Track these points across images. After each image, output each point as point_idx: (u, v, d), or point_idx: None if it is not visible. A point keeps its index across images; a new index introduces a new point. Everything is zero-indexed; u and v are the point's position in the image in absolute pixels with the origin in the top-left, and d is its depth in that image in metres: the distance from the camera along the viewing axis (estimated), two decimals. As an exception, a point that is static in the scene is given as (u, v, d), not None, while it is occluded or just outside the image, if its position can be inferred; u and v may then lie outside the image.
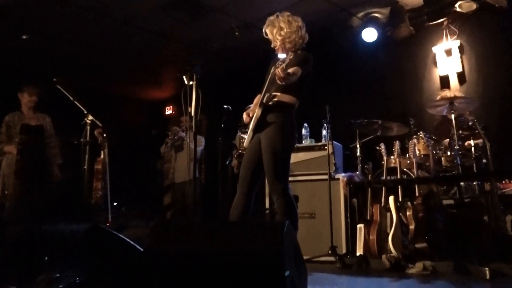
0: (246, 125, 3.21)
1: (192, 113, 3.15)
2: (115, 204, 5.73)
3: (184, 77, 3.18)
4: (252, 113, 3.11)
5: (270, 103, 3.00)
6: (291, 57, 3.05)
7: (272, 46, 3.18)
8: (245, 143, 3.15)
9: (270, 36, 3.15)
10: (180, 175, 5.86)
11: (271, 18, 3.16)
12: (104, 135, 5.02)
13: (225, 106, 4.44)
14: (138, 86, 8.42)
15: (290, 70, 2.81)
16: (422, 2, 5.37)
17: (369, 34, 5.63)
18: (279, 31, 3.09)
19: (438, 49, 5.38)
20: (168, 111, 8.87)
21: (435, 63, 5.41)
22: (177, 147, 6.03)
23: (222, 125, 4.47)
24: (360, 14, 5.67)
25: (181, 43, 6.50)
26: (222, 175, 4.77)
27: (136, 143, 8.08)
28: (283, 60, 2.97)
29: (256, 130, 3.04)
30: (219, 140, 4.59)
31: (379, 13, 5.61)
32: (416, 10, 5.47)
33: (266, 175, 2.98)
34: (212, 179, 6.28)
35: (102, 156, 5.06)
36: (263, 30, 3.18)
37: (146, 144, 7.70)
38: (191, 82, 3.18)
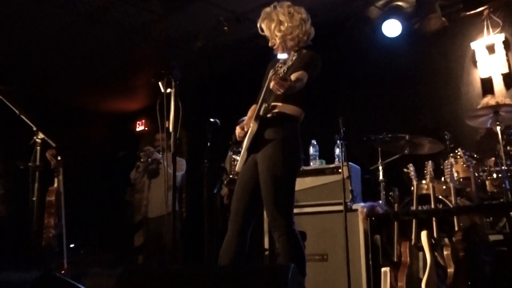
0: (239, 144, 3.23)
1: (171, 129, 3.15)
2: (72, 246, 5.69)
3: (159, 84, 3.20)
4: (247, 128, 3.13)
5: (269, 115, 3.01)
6: (293, 58, 3.08)
7: (270, 44, 3.20)
8: (238, 167, 3.15)
9: (267, 33, 3.18)
10: (155, 208, 5.84)
11: (268, 9, 3.18)
12: (59, 158, 5.00)
13: (211, 120, 4.46)
14: (102, 96, 8.43)
15: (293, 77, 2.83)
16: (456, -14, 5.48)
17: (392, 28, 5.69)
18: (278, 25, 3.11)
19: (478, 45, 5.44)
20: (140, 126, 8.89)
21: (474, 63, 5.46)
22: (151, 173, 6.03)
23: (208, 144, 4.48)
24: (380, 3, 5.74)
25: (156, 41, 6.55)
26: (208, 207, 4.75)
27: (99, 167, 8.08)
28: (284, 62, 2.99)
29: (252, 149, 3.05)
30: (205, 162, 4.59)
31: (403, 1, 5.69)
32: (449, -3, 5.57)
33: (264, 207, 2.98)
34: (195, 212, 6.25)
35: (55, 185, 5.04)
36: (258, 25, 3.21)
37: (111, 169, 7.69)
38: (168, 90, 3.19)
